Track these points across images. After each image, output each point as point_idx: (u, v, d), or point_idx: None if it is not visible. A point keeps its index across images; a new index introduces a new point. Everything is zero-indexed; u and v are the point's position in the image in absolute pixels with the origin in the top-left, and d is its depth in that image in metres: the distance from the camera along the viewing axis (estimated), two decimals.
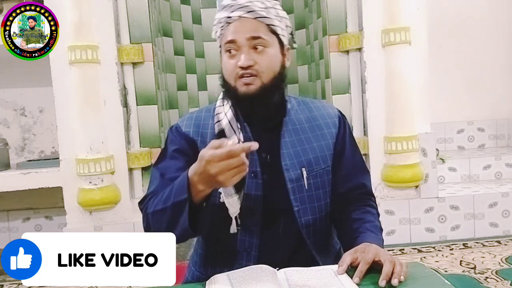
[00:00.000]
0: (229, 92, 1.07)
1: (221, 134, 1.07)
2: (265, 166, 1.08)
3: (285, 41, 1.09)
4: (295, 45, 1.14)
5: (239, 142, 1.05)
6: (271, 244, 1.08)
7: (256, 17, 1.04)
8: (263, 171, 1.07)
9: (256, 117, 1.09)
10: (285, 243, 1.09)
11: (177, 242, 0.84)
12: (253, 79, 1.03)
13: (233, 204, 1.04)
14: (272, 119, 1.11)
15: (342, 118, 1.17)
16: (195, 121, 1.14)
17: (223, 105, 1.11)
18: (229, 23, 1.05)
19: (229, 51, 1.05)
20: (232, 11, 1.04)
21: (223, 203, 1.04)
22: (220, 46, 1.09)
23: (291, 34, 1.13)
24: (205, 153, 0.86)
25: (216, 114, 1.10)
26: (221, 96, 1.14)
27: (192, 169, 0.91)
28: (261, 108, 1.06)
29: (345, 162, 1.13)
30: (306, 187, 1.08)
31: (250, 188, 1.07)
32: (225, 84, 1.08)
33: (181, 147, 1.10)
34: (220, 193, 1.05)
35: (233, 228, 1.06)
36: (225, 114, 1.09)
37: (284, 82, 1.11)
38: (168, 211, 0.96)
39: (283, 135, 1.10)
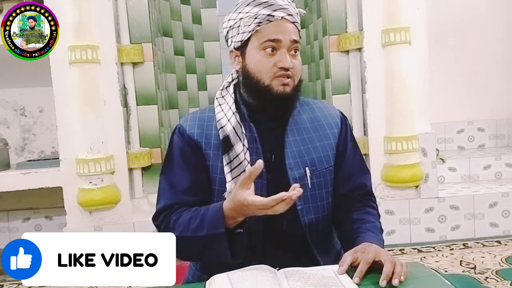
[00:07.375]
0: (257, 90, 1.05)
1: (226, 140, 1.06)
2: (269, 166, 1.07)
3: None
4: None
5: (243, 148, 1.06)
6: (274, 244, 1.08)
7: (294, 22, 1.06)
8: (267, 171, 1.06)
9: (263, 117, 1.09)
10: (288, 243, 1.09)
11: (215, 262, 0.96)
12: (289, 80, 1.05)
13: None
14: (277, 119, 1.11)
15: (343, 119, 1.18)
16: (199, 122, 1.12)
17: (222, 109, 1.09)
18: (270, 21, 1.03)
19: (269, 49, 1.04)
20: (274, 10, 1.03)
21: None
22: (241, 41, 1.06)
23: None
24: (243, 198, 0.92)
25: (218, 120, 1.08)
26: (218, 95, 1.13)
27: (229, 206, 0.96)
28: (290, 108, 1.10)
29: (346, 163, 1.14)
30: (310, 186, 1.08)
31: (255, 188, 1.04)
32: (253, 82, 1.06)
33: (186, 154, 1.10)
34: (225, 194, 1.06)
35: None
36: (229, 120, 1.07)
37: None
38: (201, 240, 1.00)
39: (287, 134, 1.10)
